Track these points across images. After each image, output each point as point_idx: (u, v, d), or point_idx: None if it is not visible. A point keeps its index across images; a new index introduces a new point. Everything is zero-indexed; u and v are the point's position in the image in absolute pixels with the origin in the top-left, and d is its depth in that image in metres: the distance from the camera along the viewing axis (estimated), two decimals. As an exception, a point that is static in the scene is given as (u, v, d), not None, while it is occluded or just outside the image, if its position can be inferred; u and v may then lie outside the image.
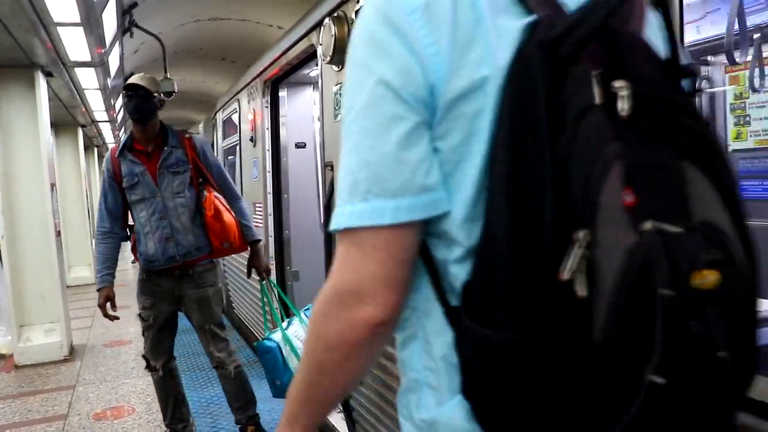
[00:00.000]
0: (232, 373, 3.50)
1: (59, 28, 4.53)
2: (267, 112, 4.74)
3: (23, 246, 5.72)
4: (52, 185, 5.90)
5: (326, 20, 2.97)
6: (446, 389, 0.78)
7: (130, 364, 5.55)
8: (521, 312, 0.66)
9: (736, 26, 2.37)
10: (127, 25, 7.12)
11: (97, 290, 3.34)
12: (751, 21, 2.96)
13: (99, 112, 9.54)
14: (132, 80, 3.23)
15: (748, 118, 3.59)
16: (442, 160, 0.74)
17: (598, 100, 0.63)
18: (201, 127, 9.22)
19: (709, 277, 0.60)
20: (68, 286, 6.84)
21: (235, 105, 5.79)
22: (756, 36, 2.99)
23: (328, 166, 3.24)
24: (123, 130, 15.66)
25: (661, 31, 0.81)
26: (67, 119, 9.76)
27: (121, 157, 3.30)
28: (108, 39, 5.33)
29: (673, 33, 0.79)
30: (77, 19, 4.30)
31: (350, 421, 3.30)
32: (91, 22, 4.40)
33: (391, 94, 0.73)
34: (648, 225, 0.59)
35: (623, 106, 0.63)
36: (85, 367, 5.59)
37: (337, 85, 3.08)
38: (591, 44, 0.66)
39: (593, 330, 0.60)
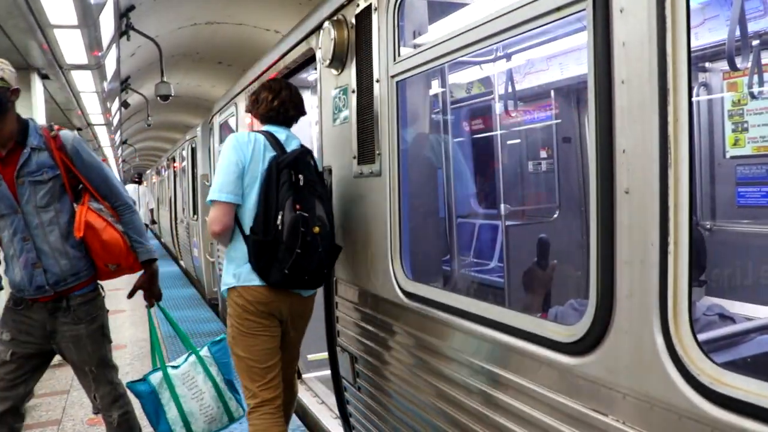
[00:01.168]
0: (116, 421, 2.90)
1: (56, 30, 4.52)
2: (264, 116, 4.72)
3: (17, 249, 5.66)
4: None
5: (326, 24, 2.96)
6: (243, 262, 2.72)
7: (124, 369, 5.51)
8: (265, 232, 2.62)
9: (737, 32, 2.38)
10: (124, 28, 7.10)
11: None
12: (750, 28, 2.97)
13: (95, 115, 9.53)
14: None
15: (746, 125, 3.59)
16: (243, 187, 2.70)
17: (293, 180, 2.64)
18: (199, 130, 9.19)
19: (316, 228, 2.63)
20: (62, 290, 6.78)
21: (233, 109, 5.77)
22: (755, 43, 2.99)
23: (327, 170, 3.23)
24: (119, 133, 15.63)
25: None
26: (63, 122, 9.73)
27: None
28: (105, 42, 5.33)
29: (315, 161, 2.84)
30: (74, 21, 4.30)
31: (347, 427, 3.28)
32: (88, 24, 4.40)
33: (235, 162, 2.68)
34: (298, 212, 2.58)
35: (302, 183, 2.65)
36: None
37: (336, 89, 3.07)
38: (291, 162, 2.67)
39: (283, 237, 2.58)
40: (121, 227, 2.85)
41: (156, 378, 3.07)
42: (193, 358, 3.21)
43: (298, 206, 2.57)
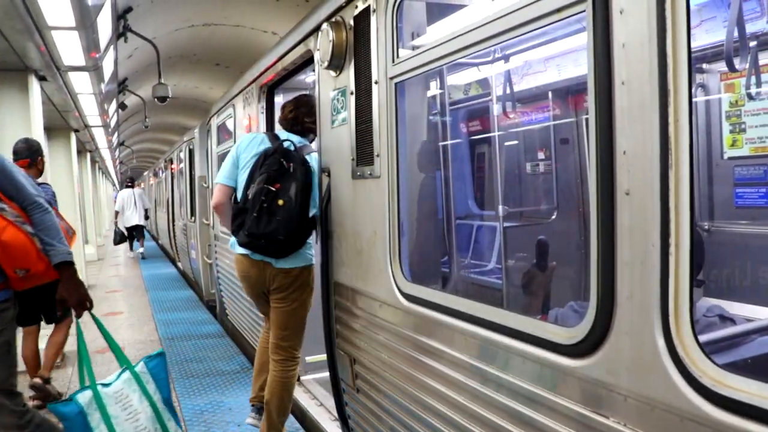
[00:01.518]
0: None
1: (53, 32, 4.51)
2: (262, 118, 4.72)
3: (14, 251, 5.63)
4: (45, 190, 5.82)
5: (324, 25, 2.96)
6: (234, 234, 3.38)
7: (122, 371, 5.48)
8: (243, 201, 3.21)
9: (735, 34, 2.38)
10: (121, 29, 7.09)
11: None
12: (747, 29, 2.97)
13: (92, 116, 9.50)
14: None
15: (743, 126, 3.60)
16: (237, 174, 3.46)
17: (284, 166, 3.17)
18: (196, 132, 9.18)
19: (280, 201, 3.10)
20: (60, 292, 6.75)
21: (230, 110, 5.76)
22: (752, 44, 2.99)
23: (325, 172, 3.22)
24: (116, 134, 15.61)
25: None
26: (60, 124, 9.71)
27: None
28: (102, 43, 5.31)
29: (301, 153, 3.29)
30: (72, 22, 4.29)
31: (346, 428, 3.28)
32: (85, 26, 4.38)
33: (233, 154, 3.50)
34: (265, 186, 3.13)
35: (291, 169, 3.17)
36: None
37: (334, 90, 3.06)
38: (277, 149, 3.24)
39: (249, 205, 3.16)
40: (30, 229, 2.59)
41: (84, 397, 2.74)
42: (127, 374, 2.91)
43: (278, 185, 3.10)
